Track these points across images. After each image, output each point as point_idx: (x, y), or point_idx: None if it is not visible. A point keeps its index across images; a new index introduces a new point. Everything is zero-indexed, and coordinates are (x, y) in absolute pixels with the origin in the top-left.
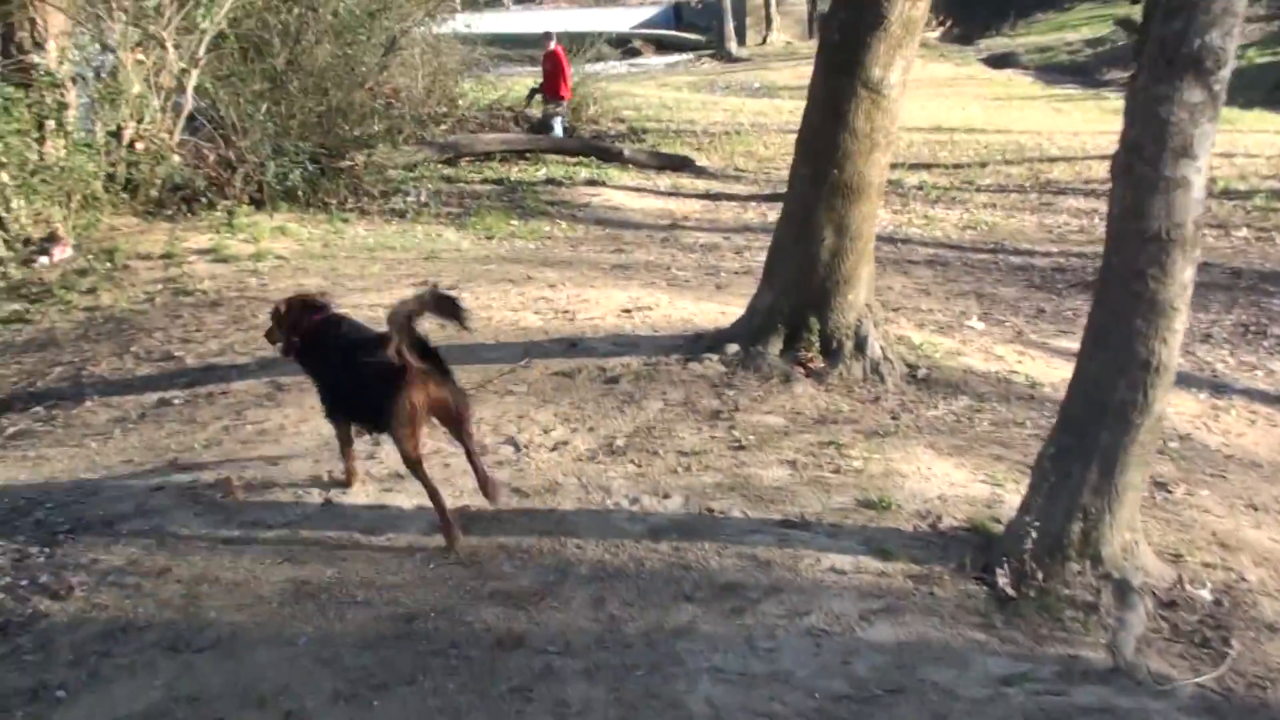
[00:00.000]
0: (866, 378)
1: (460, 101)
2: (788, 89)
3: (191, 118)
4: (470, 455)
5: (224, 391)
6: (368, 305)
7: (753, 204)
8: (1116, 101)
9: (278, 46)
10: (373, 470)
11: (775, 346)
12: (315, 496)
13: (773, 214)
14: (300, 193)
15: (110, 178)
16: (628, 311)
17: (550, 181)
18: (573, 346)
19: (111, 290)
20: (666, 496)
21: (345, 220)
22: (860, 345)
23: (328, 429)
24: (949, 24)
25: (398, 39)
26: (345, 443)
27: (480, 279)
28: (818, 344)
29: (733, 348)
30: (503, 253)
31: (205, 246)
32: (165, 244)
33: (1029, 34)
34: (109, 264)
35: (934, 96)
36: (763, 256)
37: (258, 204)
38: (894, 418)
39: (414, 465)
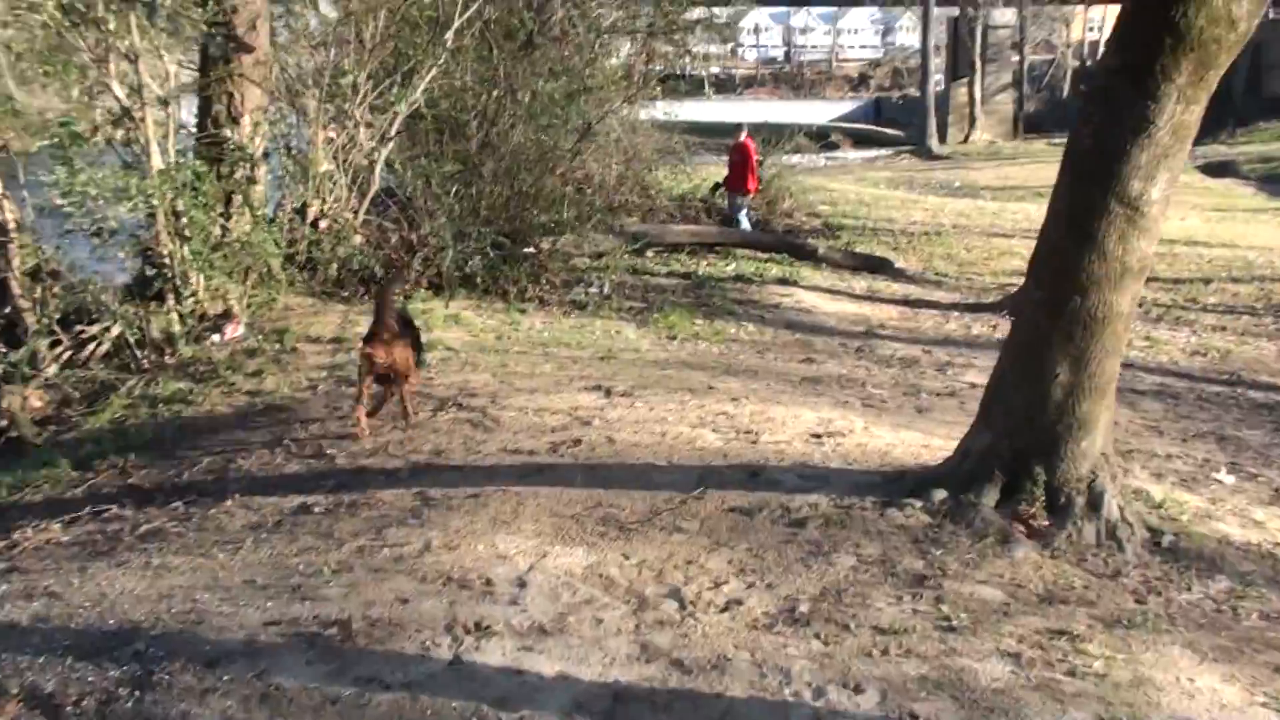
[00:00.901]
0: (1101, 544)
1: (652, 190)
2: (989, 189)
3: (379, 198)
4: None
5: (368, 501)
6: (534, 409)
7: (954, 314)
8: None
9: (473, 128)
10: (513, 621)
11: (991, 497)
12: (444, 650)
13: (976, 326)
14: (479, 279)
15: (290, 256)
16: (817, 437)
17: (739, 278)
18: (754, 476)
19: (277, 374)
20: (859, 690)
21: (523, 310)
22: (1094, 503)
23: (468, 561)
24: None
25: (593, 124)
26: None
27: (657, 385)
28: (1043, 498)
29: (940, 494)
30: (684, 356)
31: None
32: (337, 327)
33: (1250, 142)
34: (278, 345)
35: None
36: (968, 376)
37: (436, 289)
38: (1139, 601)
39: None
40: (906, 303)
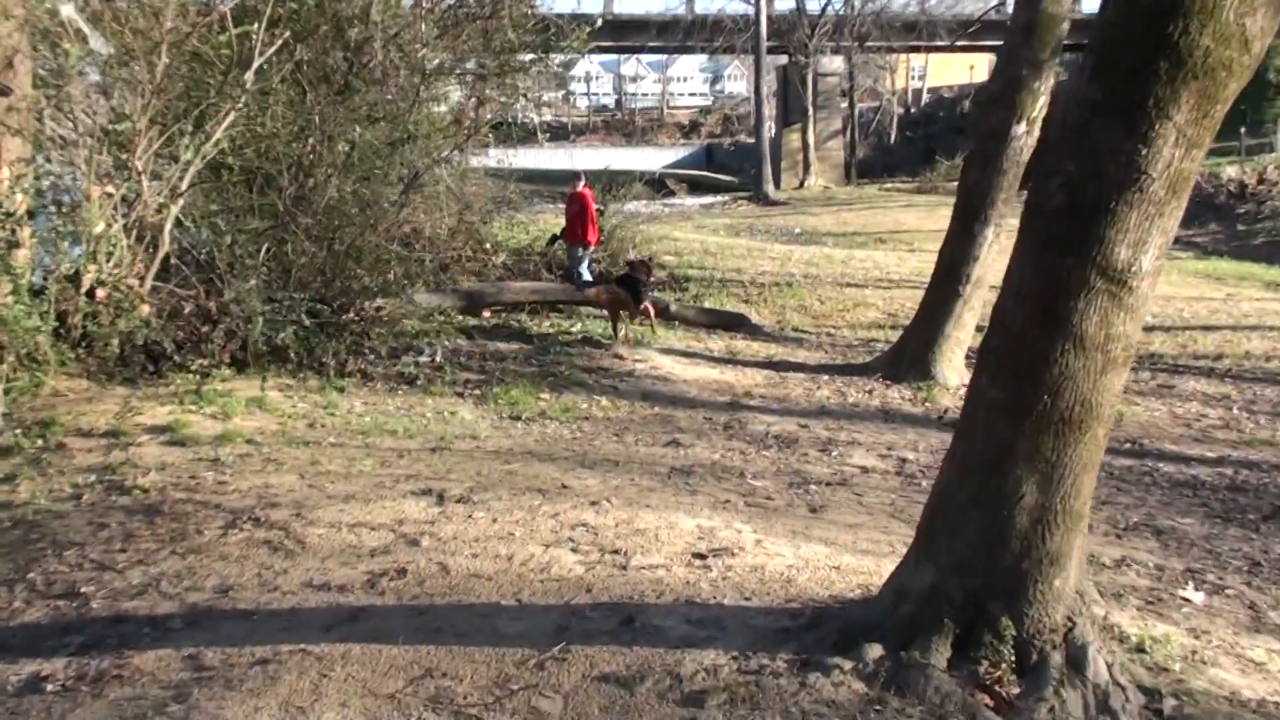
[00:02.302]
0: (1091, 716)
1: (487, 244)
2: (831, 235)
3: (170, 261)
4: None
5: (123, 670)
6: (349, 524)
7: (824, 377)
8: (1196, 263)
9: (286, 180)
10: None
11: (941, 654)
12: None
13: (851, 392)
14: (292, 353)
15: (60, 332)
16: (701, 557)
17: (587, 341)
18: (628, 623)
19: (34, 479)
20: None
21: (341, 389)
22: (1076, 661)
23: None
24: None
25: (420, 174)
26: None
27: (501, 485)
28: (1010, 656)
29: (874, 650)
30: (530, 442)
31: (162, 422)
32: (115, 417)
33: None
34: (40, 441)
35: None
36: (855, 457)
37: (240, 365)
38: None
39: None
40: (770, 365)
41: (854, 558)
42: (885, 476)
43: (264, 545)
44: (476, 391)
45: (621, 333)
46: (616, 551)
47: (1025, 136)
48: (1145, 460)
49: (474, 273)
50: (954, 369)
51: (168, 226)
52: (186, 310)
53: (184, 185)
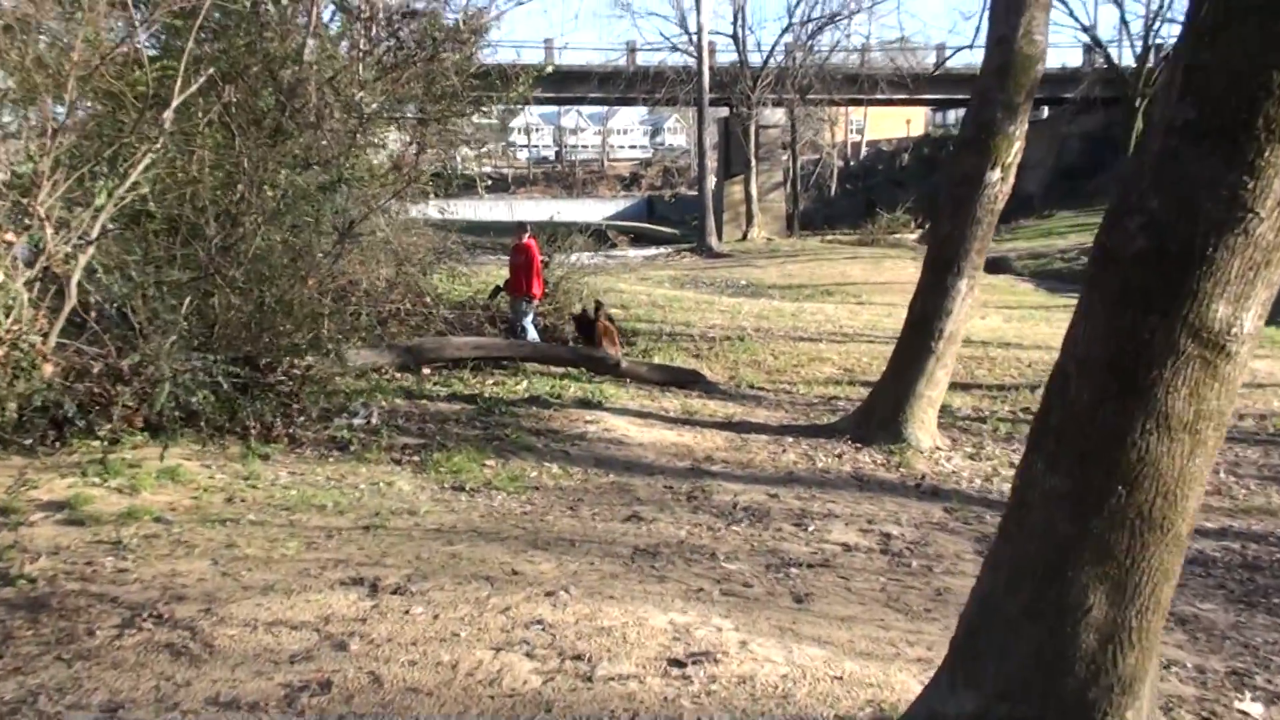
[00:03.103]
0: None
1: (428, 297)
2: (777, 287)
3: (82, 316)
4: None
5: None
6: (266, 622)
7: (788, 439)
8: None
9: (212, 229)
10: None
11: None
12: None
13: (820, 456)
14: (208, 417)
15: None
16: (679, 665)
17: (534, 401)
18: None
19: None
20: None
21: (265, 456)
22: None
23: None
24: (928, 226)
25: (356, 222)
26: None
27: (443, 571)
28: None
29: None
30: (476, 518)
31: (61, 497)
32: (6, 492)
33: (1015, 239)
34: None
35: None
36: (834, 532)
37: (155, 430)
38: None
39: None
40: (730, 426)
41: (856, 663)
42: (870, 556)
43: (165, 649)
44: (415, 458)
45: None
46: (579, 657)
47: (1000, 184)
48: None
49: (414, 327)
50: (927, 431)
51: (74, 278)
52: (96, 370)
53: (94, 233)
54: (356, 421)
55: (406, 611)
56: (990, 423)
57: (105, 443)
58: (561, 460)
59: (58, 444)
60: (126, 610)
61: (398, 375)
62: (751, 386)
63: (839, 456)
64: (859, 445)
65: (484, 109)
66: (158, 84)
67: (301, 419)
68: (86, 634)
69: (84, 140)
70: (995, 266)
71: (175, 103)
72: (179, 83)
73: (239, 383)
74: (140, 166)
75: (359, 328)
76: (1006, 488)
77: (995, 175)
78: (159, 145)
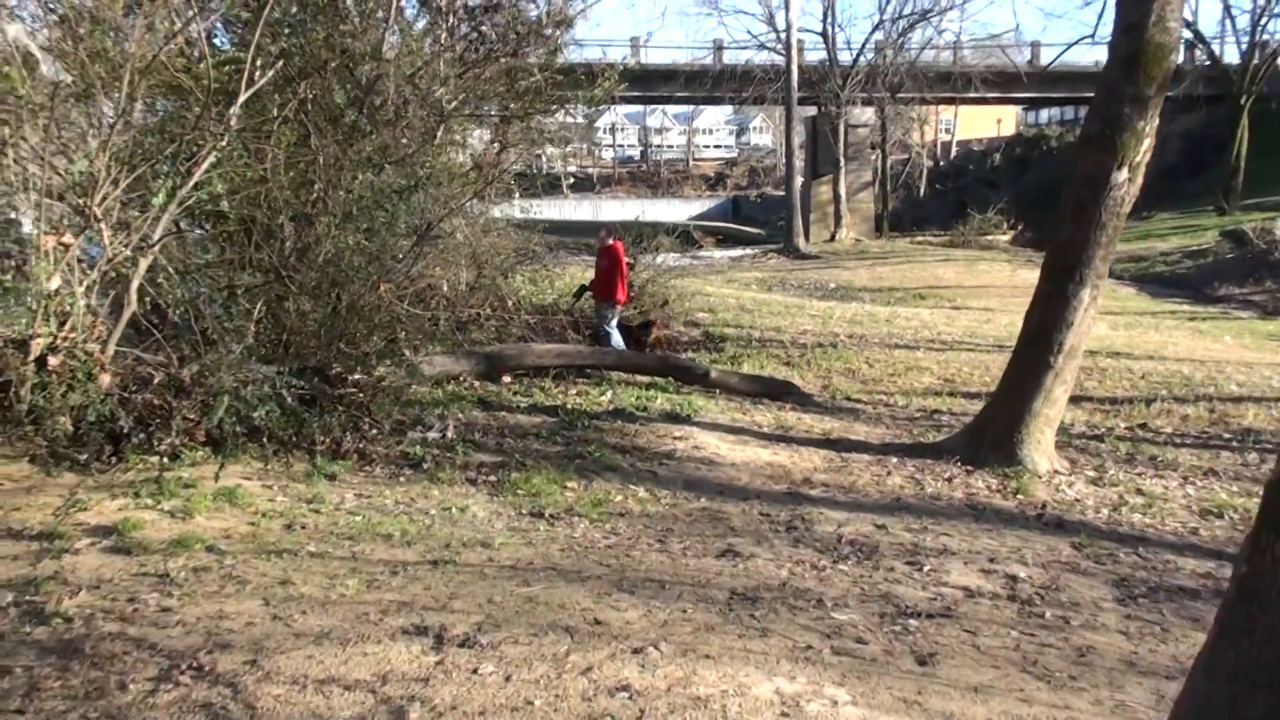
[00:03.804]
0: None
1: (509, 301)
2: (867, 290)
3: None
4: None
5: None
6: (316, 680)
7: (892, 460)
8: (1264, 325)
9: (287, 231)
10: None
11: None
12: None
13: (928, 480)
14: (271, 432)
15: (2, 407)
16: None
17: (619, 413)
18: None
19: None
20: None
21: (332, 476)
22: None
23: None
24: (1020, 227)
25: (435, 224)
26: None
27: (516, 621)
28: None
29: None
30: (555, 552)
31: (110, 521)
32: (54, 514)
33: None
34: None
35: None
36: (952, 573)
37: (217, 444)
38: None
39: None
40: (827, 443)
41: None
42: (996, 603)
43: (202, 711)
44: (492, 478)
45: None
46: None
47: (1127, 185)
48: None
49: (494, 334)
50: (1044, 453)
51: (134, 283)
52: (156, 380)
53: (157, 235)
54: (431, 435)
55: (475, 670)
56: (1108, 442)
57: (164, 459)
58: (648, 482)
59: (114, 460)
60: (165, 659)
61: (476, 384)
62: (848, 398)
63: (949, 481)
64: (970, 468)
65: (568, 107)
66: (227, 79)
67: (373, 433)
68: (118, 687)
69: (145, 137)
70: None
71: (243, 97)
72: (245, 76)
73: (307, 395)
74: (204, 165)
75: (437, 334)
76: (1136, 519)
77: (1122, 175)
78: (224, 143)
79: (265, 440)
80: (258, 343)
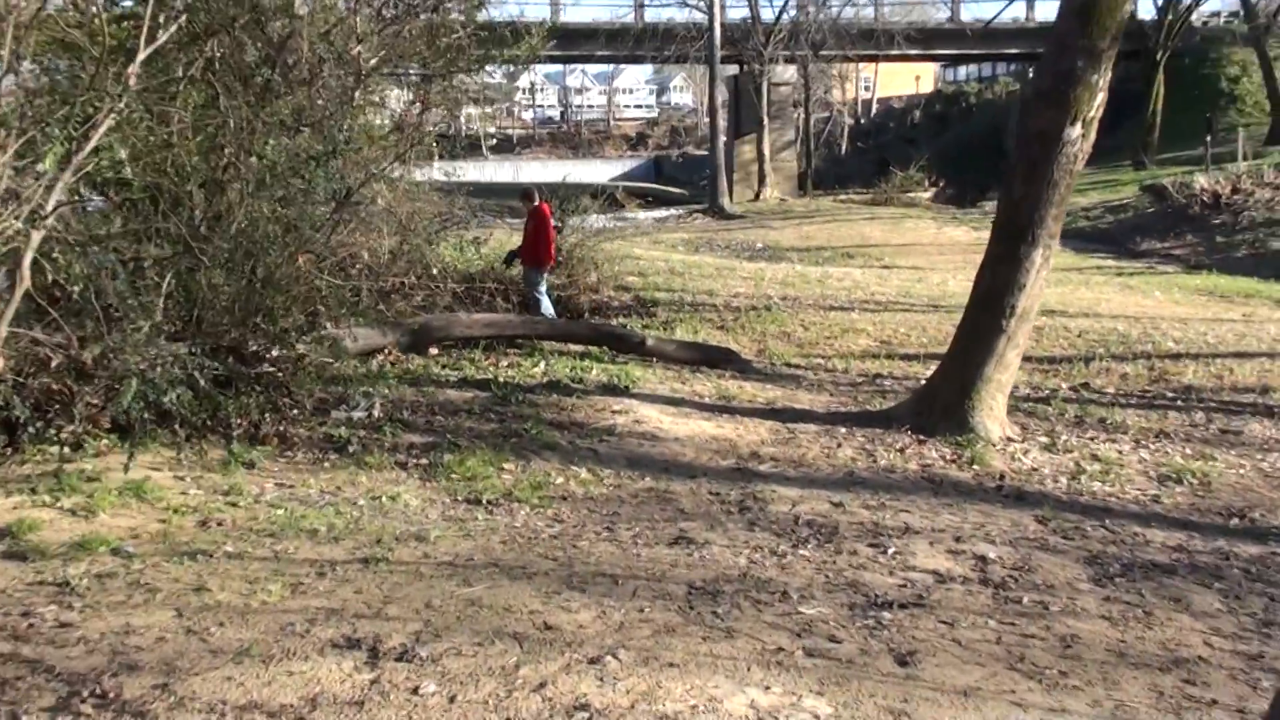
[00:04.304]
0: None
1: (435, 269)
2: (795, 250)
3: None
4: None
5: None
6: (235, 706)
7: (840, 430)
8: (1189, 278)
9: (196, 199)
10: None
11: None
12: None
13: (880, 451)
14: (183, 416)
15: None
16: None
17: (554, 386)
18: None
19: None
20: None
21: (250, 464)
22: None
23: None
24: (941, 185)
25: (354, 190)
26: None
27: (458, 628)
28: None
29: None
30: (496, 544)
31: (3, 523)
32: None
33: None
34: None
35: (961, 264)
36: (918, 554)
37: (124, 431)
38: None
39: None
40: (772, 413)
41: None
42: (969, 589)
43: None
44: (423, 461)
45: None
46: None
47: (1080, 141)
48: (1271, 544)
49: (419, 304)
50: (996, 419)
51: (27, 256)
52: (55, 363)
53: (50, 205)
54: (357, 414)
55: (415, 690)
56: (1054, 404)
57: (65, 449)
58: (590, 461)
59: (8, 451)
60: (64, 685)
61: (402, 357)
62: (787, 364)
63: (901, 451)
64: (921, 437)
65: (491, 66)
66: (125, 35)
67: (294, 413)
68: None
69: (34, 99)
70: None
71: (142, 55)
72: (144, 33)
73: (222, 375)
74: (102, 129)
75: (359, 306)
76: (1096, 488)
77: (1075, 131)
78: (123, 104)
79: (177, 426)
80: (167, 320)
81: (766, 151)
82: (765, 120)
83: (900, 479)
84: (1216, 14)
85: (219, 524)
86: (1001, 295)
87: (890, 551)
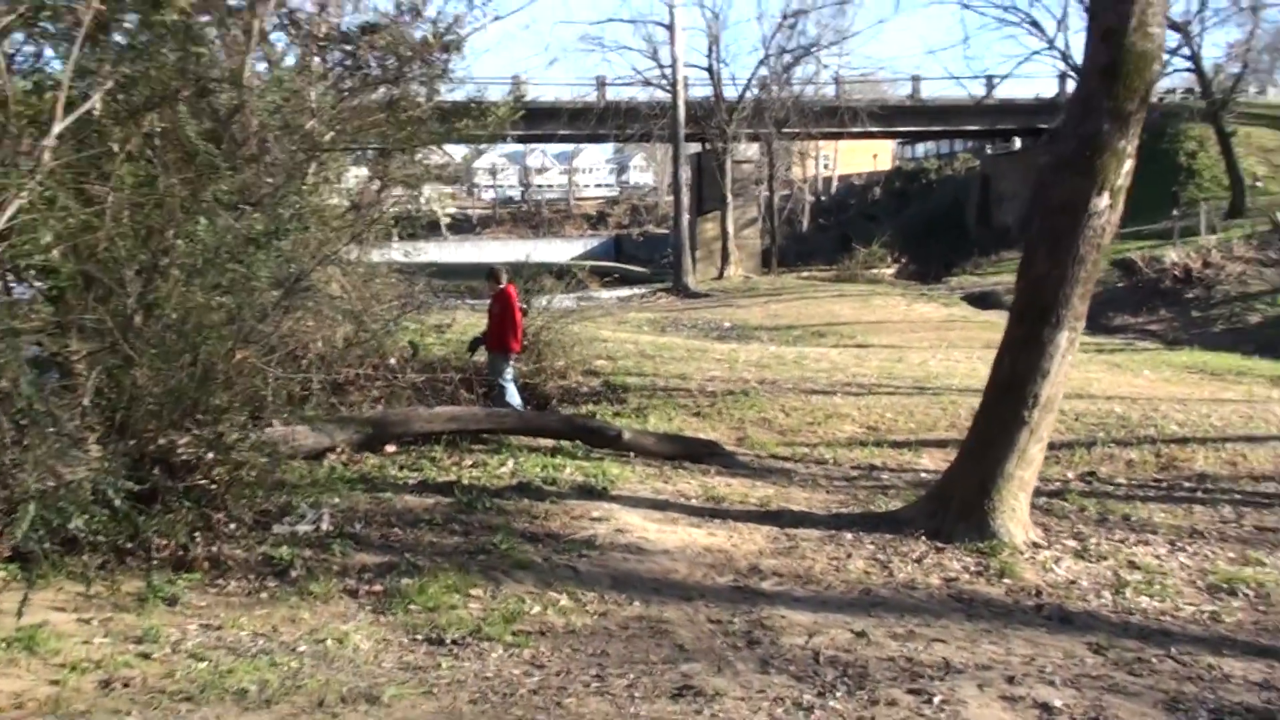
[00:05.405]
0: None
1: (393, 359)
2: (764, 329)
3: None
4: None
5: None
6: None
7: (846, 536)
8: (1171, 355)
9: (133, 284)
10: None
11: None
12: None
13: (895, 563)
14: (91, 542)
15: None
16: None
17: (524, 489)
18: None
19: None
20: None
21: (172, 600)
22: None
23: None
24: (904, 261)
25: (304, 275)
26: None
27: None
28: None
29: None
30: (463, 708)
31: None
32: None
33: (998, 272)
34: None
35: (938, 343)
36: (971, 703)
37: (24, 561)
38: None
39: None
40: (767, 515)
41: None
42: None
43: None
44: (377, 587)
45: None
46: None
47: (1108, 212)
48: None
49: (376, 397)
50: (1019, 522)
51: None
52: None
53: None
54: (302, 528)
55: None
56: (1070, 499)
57: None
58: (570, 582)
59: None
60: None
61: (356, 457)
62: (774, 456)
63: (919, 562)
64: (938, 544)
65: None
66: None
67: (230, 528)
68: None
69: None
70: (984, 301)
71: (57, 128)
72: (59, 104)
73: (145, 489)
74: (9, 209)
75: (308, 401)
76: (1146, 604)
77: (1103, 202)
78: (35, 181)
79: (87, 555)
80: (87, 425)
81: (730, 229)
82: (729, 198)
83: (924, 598)
84: (1172, 90)
85: (125, 684)
86: (1023, 383)
87: (936, 700)
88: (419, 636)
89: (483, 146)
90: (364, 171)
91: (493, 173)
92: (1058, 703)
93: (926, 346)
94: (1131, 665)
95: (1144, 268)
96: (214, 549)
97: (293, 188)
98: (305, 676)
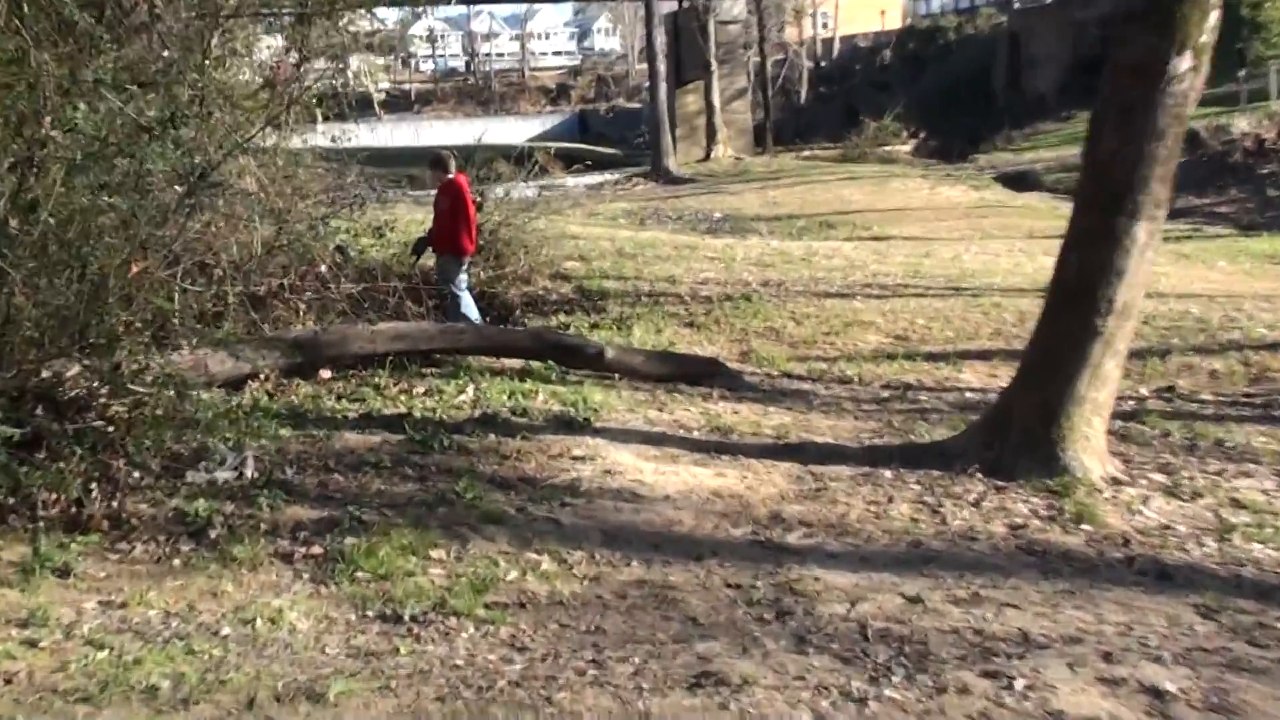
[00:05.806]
0: None
1: (323, 266)
2: (762, 220)
3: None
4: None
5: None
6: None
7: (885, 474)
8: (1253, 244)
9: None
10: None
11: None
12: None
13: (947, 505)
14: None
15: None
16: None
17: (489, 422)
18: None
19: None
20: None
21: (63, 570)
22: None
23: None
24: (923, 136)
25: (210, 170)
26: None
27: None
28: None
29: None
30: (429, 706)
31: None
32: None
33: (1035, 147)
34: None
35: (970, 233)
36: (1060, 686)
37: None
38: None
39: None
40: (786, 450)
41: None
42: None
43: None
44: (316, 549)
45: None
46: None
47: (1191, 75)
48: None
49: (305, 312)
50: (1095, 453)
51: None
52: None
53: None
54: (222, 475)
55: None
56: (1151, 422)
57: None
58: (551, 538)
59: None
60: None
61: (285, 385)
62: (784, 373)
63: (976, 505)
64: (998, 482)
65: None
66: None
67: (135, 478)
68: None
69: None
70: (1021, 182)
71: None
72: None
73: (27, 433)
74: None
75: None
76: (1259, 553)
77: (1184, 64)
78: None
79: None
80: None
81: (717, 102)
82: (714, 65)
83: (987, 550)
84: None
85: (7, 680)
86: (1094, 286)
87: (1018, 686)
88: (369, 613)
89: (419, 9)
90: (279, 41)
91: (432, 41)
92: (1170, 686)
93: (958, 237)
94: (1252, 633)
95: (1209, 139)
96: (114, 504)
97: (192, 63)
98: (230, 668)
